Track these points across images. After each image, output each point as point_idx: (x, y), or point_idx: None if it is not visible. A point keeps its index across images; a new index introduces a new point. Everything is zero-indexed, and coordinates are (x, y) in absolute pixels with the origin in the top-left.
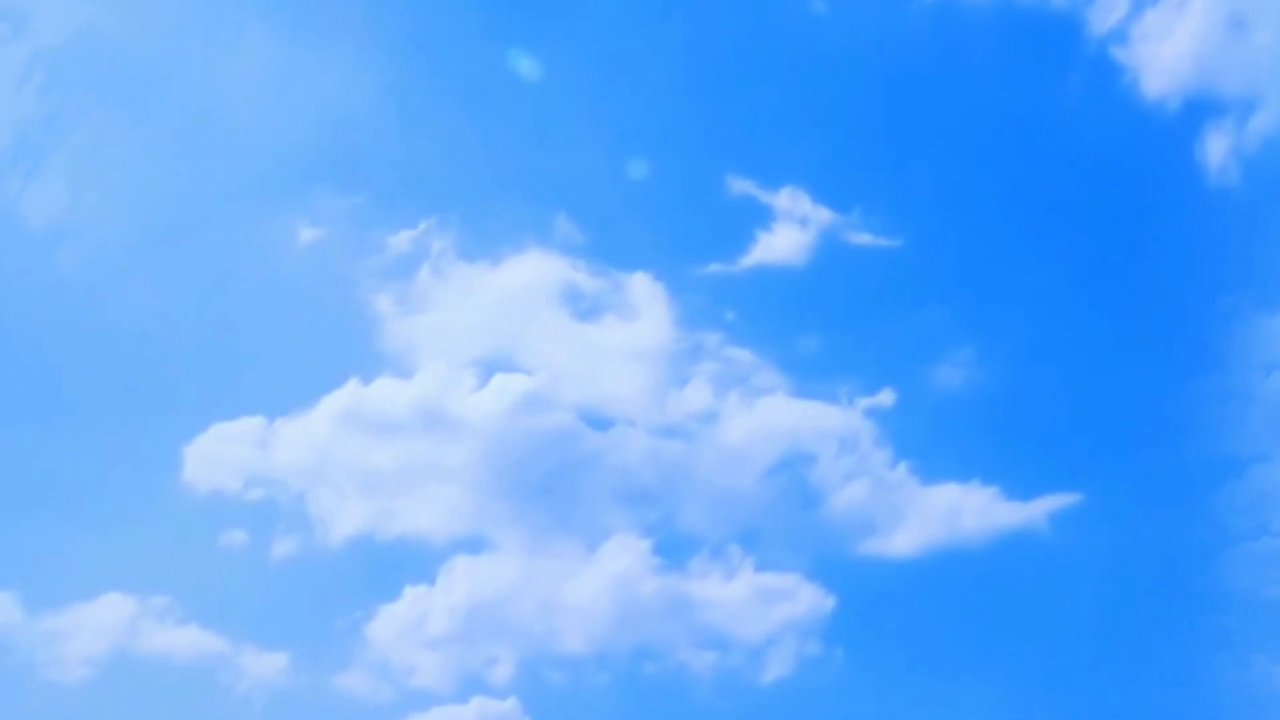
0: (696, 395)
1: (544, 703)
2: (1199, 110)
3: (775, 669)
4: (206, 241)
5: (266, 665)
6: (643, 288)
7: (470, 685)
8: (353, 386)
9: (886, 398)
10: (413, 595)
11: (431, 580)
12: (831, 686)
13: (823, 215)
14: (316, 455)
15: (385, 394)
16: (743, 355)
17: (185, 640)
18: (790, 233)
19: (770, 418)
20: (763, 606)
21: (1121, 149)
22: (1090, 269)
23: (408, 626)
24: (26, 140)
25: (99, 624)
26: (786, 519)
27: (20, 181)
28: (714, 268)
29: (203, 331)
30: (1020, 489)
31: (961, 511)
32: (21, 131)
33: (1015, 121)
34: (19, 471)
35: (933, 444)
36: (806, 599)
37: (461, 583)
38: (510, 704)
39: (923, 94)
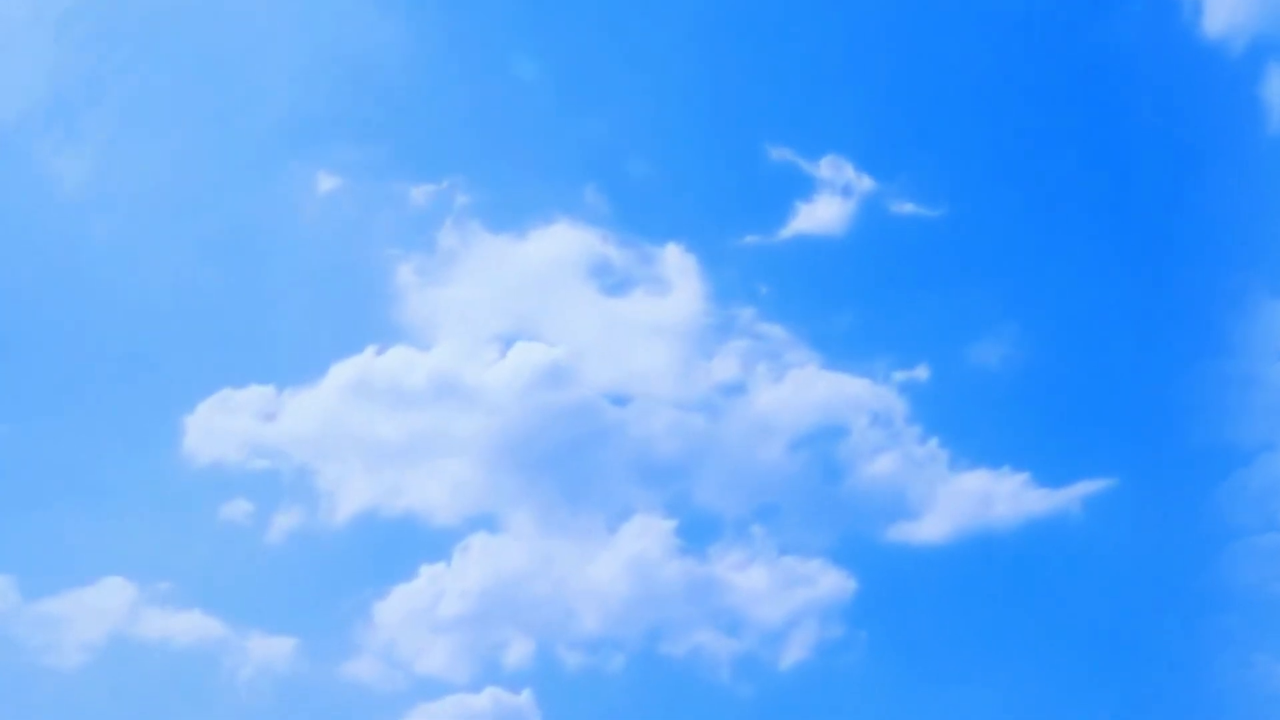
0: (724, 371)
1: (559, 687)
2: (1263, 51)
3: (795, 653)
4: (224, 203)
5: (271, 650)
6: (674, 260)
7: (483, 670)
8: (368, 357)
9: (921, 373)
10: (424, 576)
11: (445, 560)
12: (852, 672)
13: (865, 184)
14: (331, 427)
15: (401, 365)
16: (775, 331)
17: (187, 625)
18: (831, 202)
19: (800, 392)
20: (785, 590)
21: (1179, 97)
22: (1142, 246)
23: (418, 609)
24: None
25: (97, 608)
26: (813, 497)
27: (56, 139)
28: (750, 239)
29: (215, 298)
30: (1052, 475)
31: (991, 497)
32: (54, 86)
33: (1067, 70)
34: (16, 451)
35: (965, 423)
36: (829, 583)
37: (475, 563)
38: (525, 696)
39: (971, 44)
